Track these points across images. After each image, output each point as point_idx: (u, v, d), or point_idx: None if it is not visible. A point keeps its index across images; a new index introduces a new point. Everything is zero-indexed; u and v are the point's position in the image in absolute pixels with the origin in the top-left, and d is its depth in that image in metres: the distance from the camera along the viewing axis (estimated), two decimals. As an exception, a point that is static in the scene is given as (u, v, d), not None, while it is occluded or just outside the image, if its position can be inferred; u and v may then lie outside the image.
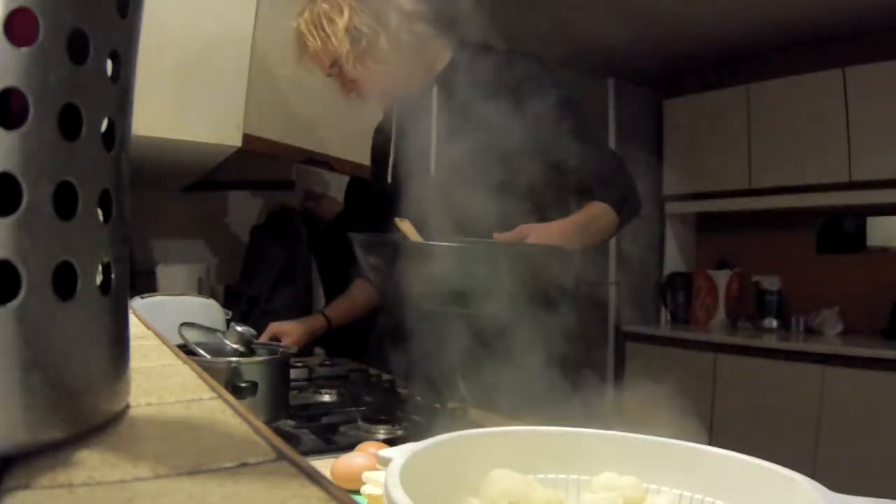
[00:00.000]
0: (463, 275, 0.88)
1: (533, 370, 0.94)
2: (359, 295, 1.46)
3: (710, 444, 0.51)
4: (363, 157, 1.59)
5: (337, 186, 2.15)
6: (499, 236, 1.01)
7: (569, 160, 1.11)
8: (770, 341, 2.98)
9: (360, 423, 0.96)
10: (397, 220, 0.97)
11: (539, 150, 1.06)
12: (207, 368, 0.52)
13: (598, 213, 1.13)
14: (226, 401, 0.34)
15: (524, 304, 0.93)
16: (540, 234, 1.03)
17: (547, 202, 1.13)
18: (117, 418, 0.29)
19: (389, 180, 1.22)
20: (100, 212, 0.27)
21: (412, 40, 1.13)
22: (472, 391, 1.13)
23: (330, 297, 1.95)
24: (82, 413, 0.27)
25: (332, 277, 1.89)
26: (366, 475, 0.61)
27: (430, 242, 0.96)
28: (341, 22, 1.09)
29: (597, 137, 1.22)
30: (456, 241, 0.98)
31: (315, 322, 1.42)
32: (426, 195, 1.09)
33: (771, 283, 3.31)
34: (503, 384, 0.98)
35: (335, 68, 1.14)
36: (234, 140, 1.27)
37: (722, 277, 3.48)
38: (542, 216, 1.09)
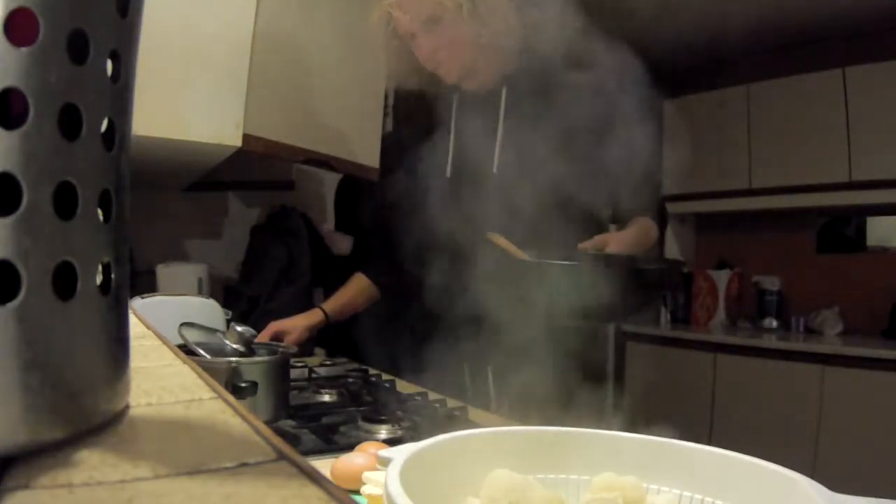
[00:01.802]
0: (597, 289, 0.90)
1: (566, 371, 0.99)
2: (357, 289, 1.47)
3: (710, 444, 0.51)
4: (363, 157, 1.59)
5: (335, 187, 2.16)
6: (584, 245, 1.05)
7: (622, 174, 1.15)
8: (770, 341, 2.98)
9: (360, 423, 0.96)
10: (490, 235, 0.97)
11: (597, 161, 1.09)
12: (207, 368, 0.52)
13: (647, 227, 1.19)
14: (226, 401, 0.34)
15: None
16: (618, 243, 1.07)
17: (592, 213, 1.18)
18: (117, 418, 0.29)
19: (449, 174, 1.23)
20: (100, 212, 0.27)
21: (505, 24, 1.13)
22: (499, 387, 1.16)
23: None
24: (82, 413, 0.27)
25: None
26: (366, 475, 0.61)
27: (566, 262, 0.98)
28: None
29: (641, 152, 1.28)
30: (564, 256, 1.00)
31: (313, 317, 1.42)
32: (488, 193, 1.13)
33: (771, 283, 3.31)
34: (533, 382, 1.01)
35: (427, 26, 1.12)
36: (234, 140, 1.27)
37: (722, 277, 3.48)
38: (587, 226, 1.14)
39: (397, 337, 1.35)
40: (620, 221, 1.22)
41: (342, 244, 1.99)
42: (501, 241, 0.97)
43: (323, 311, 1.44)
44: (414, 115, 1.30)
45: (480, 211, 1.13)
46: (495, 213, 1.10)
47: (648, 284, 0.97)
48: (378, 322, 1.52)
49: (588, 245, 1.05)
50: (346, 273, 1.89)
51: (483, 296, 1.06)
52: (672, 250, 3.70)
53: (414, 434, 0.89)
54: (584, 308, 0.92)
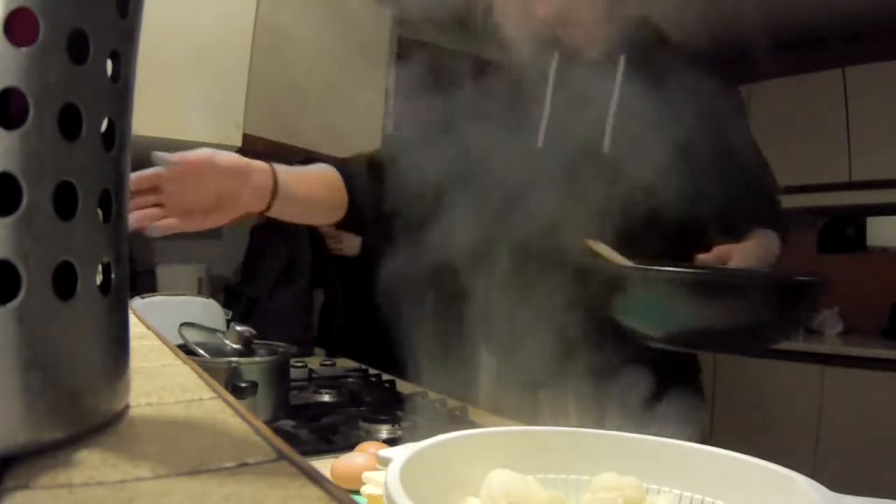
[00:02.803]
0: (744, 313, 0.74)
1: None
2: (326, 180, 0.99)
3: (710, 444, 0.51)
4: (363, 157, 1.58)
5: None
6: (703, 257, 0.89)
7: (743, 174, 1.02)
8: (770, 341, 2.98)
9: (360, 423, 0.96)
10: (590, 243, 0.81)
11: (718, 155, 0.97)
12: (207, 368, 0.52)
13: (771, 242, 1.01)
14: (226, 401, 0.34)
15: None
16: (742, 257, 0.91)
17: (699, 222, 1.00)
18: (117, 418, 0.29)
19: (540, 144, 1.00)
20: (100, 212, 0.27)
21: None
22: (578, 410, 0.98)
23: (330, 300, 1.95)
24: (82, 413, 0.27)
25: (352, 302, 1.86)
26: (366, 475, 0.61)
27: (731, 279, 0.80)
28: None
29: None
30: (683, 268, 0.82)
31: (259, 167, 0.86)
32: (594, 176, 0.92)
33: (771, 282, 3.31)
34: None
35: None
36: (234, 140, 1.27)
37: (722, 277, 3.47)
38: (690, 238, 0.98)
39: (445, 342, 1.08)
40: (734, 235, 1.03)
41: (350, 244, 1.96)
42: (603, 250, 0.80)
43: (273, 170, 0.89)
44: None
45: (580, 195, 0.92)
46: (600, 201, 0.90)
47: (805, 304, 0.80)
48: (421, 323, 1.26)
49: (708, 258, 0.89)
50: (353, 275, 1.87)
51: (571, 303, 0.87)
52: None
53: (414, 434, 0.89)
54: (727, 335, 0.75)
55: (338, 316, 1.87)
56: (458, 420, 1.00)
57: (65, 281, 0.25)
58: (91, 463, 0.24)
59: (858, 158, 2.83)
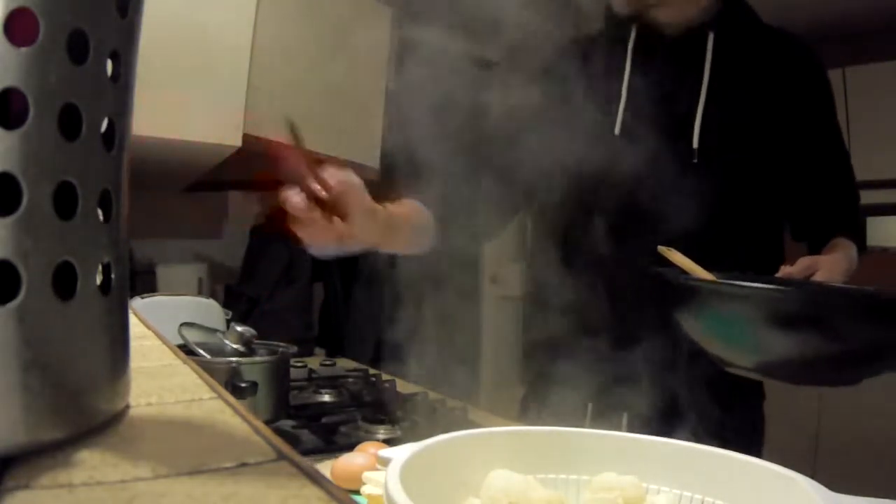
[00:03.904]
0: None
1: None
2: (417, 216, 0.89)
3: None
4: (363, 156, 1.59)
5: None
6: (787, 270, 0.79)
7: (832, 175, 0.96)
8: (770, 341, 2.97)
9: (360, 423, 0.96)
10: (664, 250, 0.70)
11: (810, 155, 0.92)
12: (207, 368, 0.52)
13: (853, 253, 0.90)
14: (226, 401, 0.34)
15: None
16: (830, 269, 0.80)
17: (774, 226, 0.95)
18: (117, 418, 0.29)
19: (618, 131, 0.87)
20: (100, 212, 0.27)
21: None
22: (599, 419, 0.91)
23: (330, 299, 1.94)
24: (82, 413, 0.27)
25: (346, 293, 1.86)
26: (366, 475, 0.62)
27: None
28: None
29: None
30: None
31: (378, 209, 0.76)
32: (685, 172, 0.82)
33: (771, 282, 3.30)
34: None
35: None
36: (234, 140, 1.27)
37: (722, 277, 3.47)
38: (761, 245, 0.92)
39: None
40: (813, 241, 0.96)
41: None
42: (681, 260, 0.70)
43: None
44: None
45: (663, 192, 0.82)
46: (689, 201, 0.80)
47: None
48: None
49: (794, 270, 0.79)
50: (352, 272, 1.87)
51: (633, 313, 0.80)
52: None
53: (414, 434, 0.89)
54: (836, 364, 0.63)
55: (338, 315, 1.87)
56: (458, 420, 1.00)
57: (65, 281, 0.25)
58: (91, 463, 0.24)
59: (858, 158, 2.83)
